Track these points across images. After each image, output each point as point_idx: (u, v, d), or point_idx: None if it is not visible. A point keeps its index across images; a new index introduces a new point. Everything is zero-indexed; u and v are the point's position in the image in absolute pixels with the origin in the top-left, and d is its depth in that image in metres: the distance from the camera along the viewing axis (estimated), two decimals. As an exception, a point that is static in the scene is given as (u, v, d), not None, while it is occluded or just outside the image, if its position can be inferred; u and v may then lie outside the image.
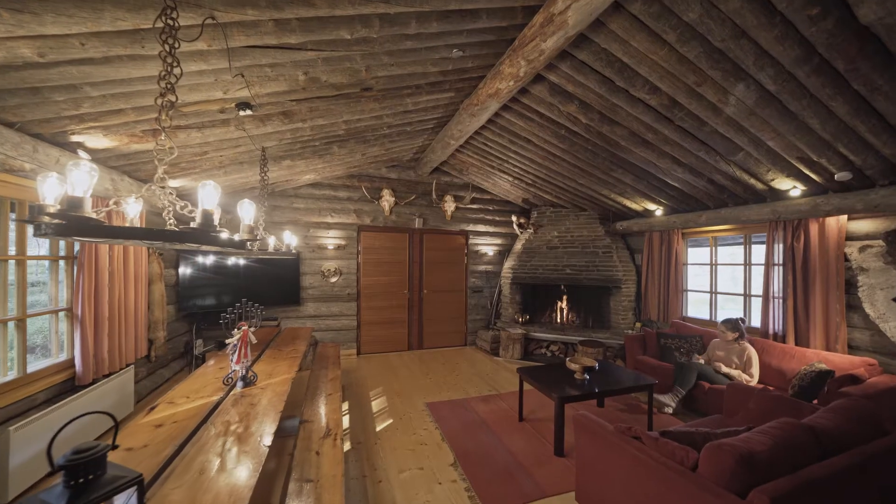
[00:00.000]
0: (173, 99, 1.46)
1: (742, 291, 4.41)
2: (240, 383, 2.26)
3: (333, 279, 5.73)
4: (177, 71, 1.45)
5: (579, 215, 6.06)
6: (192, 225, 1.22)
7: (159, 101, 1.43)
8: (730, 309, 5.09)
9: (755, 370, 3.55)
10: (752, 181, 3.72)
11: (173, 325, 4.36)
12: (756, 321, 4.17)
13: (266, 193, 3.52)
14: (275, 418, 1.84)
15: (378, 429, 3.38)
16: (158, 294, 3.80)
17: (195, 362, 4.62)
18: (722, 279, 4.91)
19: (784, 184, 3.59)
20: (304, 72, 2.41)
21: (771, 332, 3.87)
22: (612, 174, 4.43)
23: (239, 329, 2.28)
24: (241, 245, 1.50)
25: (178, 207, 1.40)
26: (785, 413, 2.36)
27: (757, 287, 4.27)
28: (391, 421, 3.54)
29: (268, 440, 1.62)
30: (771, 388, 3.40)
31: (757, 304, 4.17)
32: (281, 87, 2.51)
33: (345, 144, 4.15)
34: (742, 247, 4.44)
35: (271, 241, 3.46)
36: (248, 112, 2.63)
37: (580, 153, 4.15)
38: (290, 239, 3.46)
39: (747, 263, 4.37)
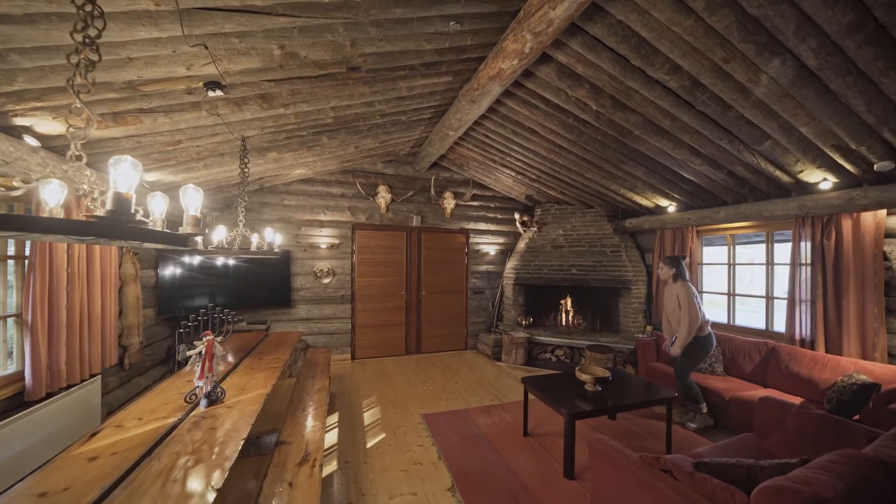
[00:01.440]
0: (94, 58, 1.16)
1: (764, 293, 4.09)
2: (203, 401, 1.97)
3: (326, 280, 5.44)
4: (98, 23, 1.16)
5: (586, 213, 5.75)
6: (100, 213, 0.93)
7: (74, 59, 1.13)
8: (743, 310, 4.77)
9: (684, 313, 3.28)
10: (778, 173, 3.41)
11: (152, 329, 4.07)
12: (780, 325, 3.85)
13: (246, 188, 3.22)
14: (234, 448, 1.55)
15: (369, 445, 3.08)
16: (133, 297, 3.51)
17: (178, 368, 4.33)
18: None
19: (813, 176, 3.28)
20: (278, 45, 2.11)
21: (797, 337, 3.55)
22: (623, 167, 4.12)
23: (202, 339, 1.99)
24: (181, 240, 1.21)
25: (96, 193, 1.10)
26: (832, 436, 2.05)
27: (780, 289, 3.96)
28: (384, 435, 3.24)
29: (219, 480, 1.32)
30: (801, 399, 3.09)
31: (781, 307, 3.86)
32: (254, 63, 2.21)
33: (335, 135, 3.85)
34: (764, 245, 4.11)
35: (254, 239, 3.19)
36: (219, 93, 2.33)
37: (589, 144, 3.84)
38: (273, 237, 3.17)
39: (769, 263, 4.05)
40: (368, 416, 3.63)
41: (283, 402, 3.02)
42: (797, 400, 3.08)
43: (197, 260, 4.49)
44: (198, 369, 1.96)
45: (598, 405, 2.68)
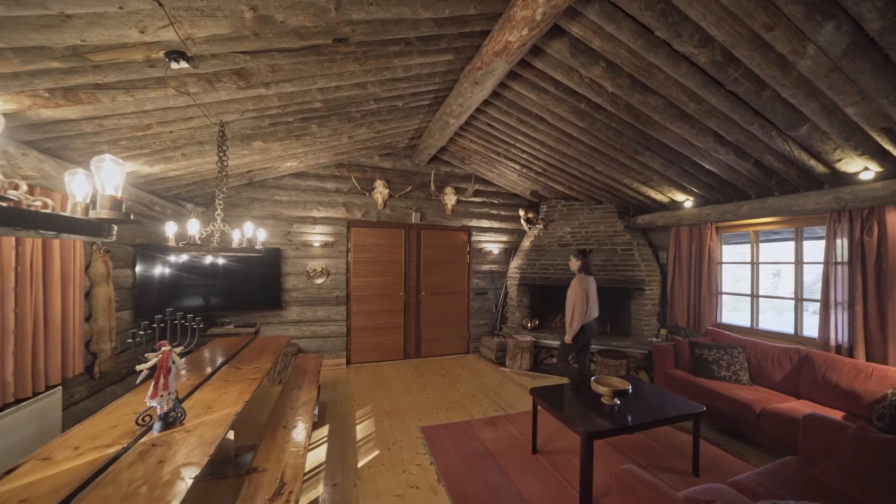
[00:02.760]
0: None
1: (793, 295, 3.76)
2: (157, 424, 1.66)
3: (320, 280, 5.13)
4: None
5: (594, 209, 5.43)
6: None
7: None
8: (767, 311, 4.45)
9: (568, 304, 3.77)
10: (812, 163, 3.09)
11: (129, 333, 3.75)
12: (811, 330, 3.53)
13: (225, 178, 2.91)
14: (181, 490, 1.24)
15: (360, 464, 2.77)
16: (104, 299, 3.21)
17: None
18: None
19: (853, 165, 2.96)
20: (249, 5, 1.81)
21: (833, 343, 3.23)
22: (638, 158, 3.80)
23: (157, 350, 1.69)
24: (93, 228, 0.90)
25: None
26: (904, 466, 1.73)
27: (811, 290, 3.63)
28: (378, 452, 2.93)
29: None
30: (842, 413, 2.77)
31: (811, 310, 3.53)
32: (222, 28, 1.90)
33: (325, 122, 3.54)
34: (793, 243, 3.78)
35: (235, 235, 2.90)
36: (185, 65, 2.03)
37: (602, 132, 3.52)
38: (255, 232, 2.87)
39: (798, 262, 3.72)
40: (361, 430, 3.32)
41: (268, 413, 2.72)
42: (837, 414, 2.77)
43: (182, 259, 4.19)
44: (151, 387, 1.66)
45: (618, 422, 2.36)
